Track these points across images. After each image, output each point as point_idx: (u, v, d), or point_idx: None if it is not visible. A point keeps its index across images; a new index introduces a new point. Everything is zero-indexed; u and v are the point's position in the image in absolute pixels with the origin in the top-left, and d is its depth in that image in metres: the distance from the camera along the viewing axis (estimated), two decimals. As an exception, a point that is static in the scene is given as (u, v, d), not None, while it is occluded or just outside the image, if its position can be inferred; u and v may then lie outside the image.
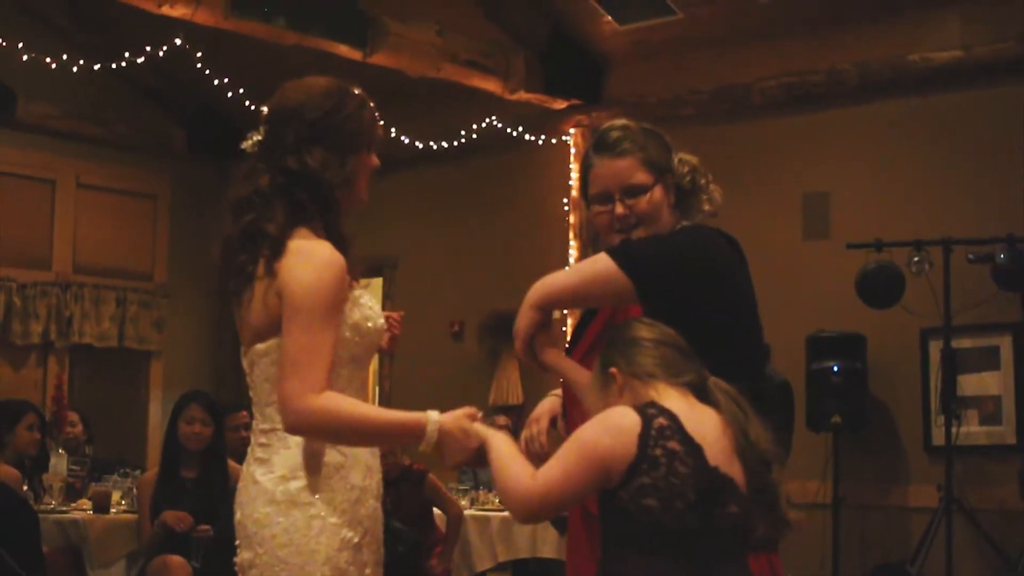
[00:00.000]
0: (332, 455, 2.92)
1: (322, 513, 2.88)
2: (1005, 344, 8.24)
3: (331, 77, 3.12)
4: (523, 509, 2.70)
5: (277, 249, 2.90)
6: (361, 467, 2.97)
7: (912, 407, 8.52)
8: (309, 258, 2.88)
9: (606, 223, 3.18)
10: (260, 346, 2.95)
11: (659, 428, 2.65)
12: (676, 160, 3.21)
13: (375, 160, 3.10)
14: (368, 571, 2.96)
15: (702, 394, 2.78)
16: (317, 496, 2.89)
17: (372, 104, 3.11)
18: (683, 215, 3.19)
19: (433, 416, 2.84)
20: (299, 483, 2.89)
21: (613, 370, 2.81)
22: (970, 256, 7.92)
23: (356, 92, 3.08)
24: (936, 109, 8.68)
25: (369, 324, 3.03)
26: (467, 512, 7.59)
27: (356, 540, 2.92)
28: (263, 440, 2.97)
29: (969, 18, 8.58)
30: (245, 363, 3.02)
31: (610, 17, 9.65)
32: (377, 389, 12.37)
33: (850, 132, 9.04)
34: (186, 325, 11.46)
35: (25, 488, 6.85)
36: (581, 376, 3.09)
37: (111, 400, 11.65)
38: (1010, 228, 7.90)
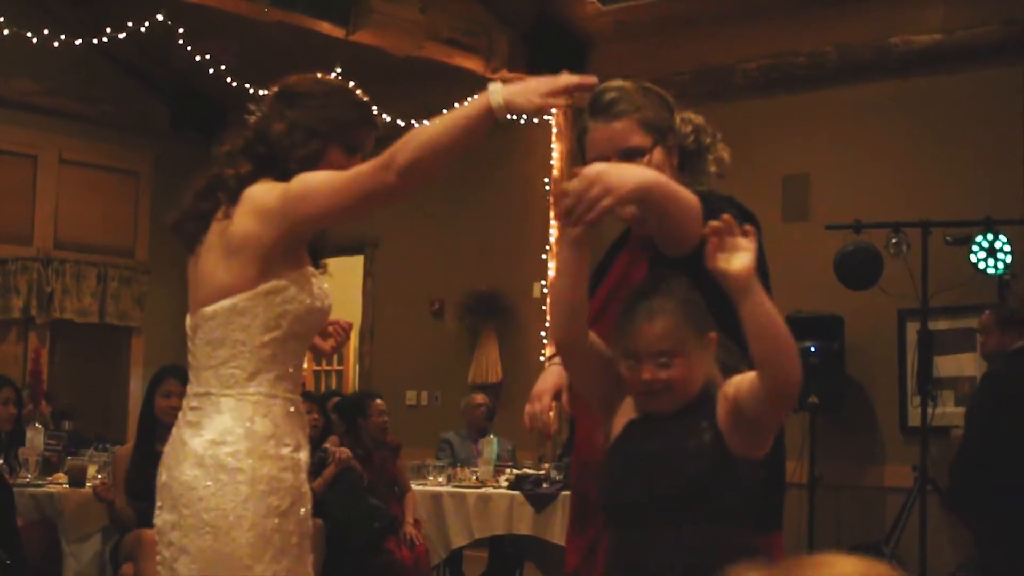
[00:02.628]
0: (263, 423, 2.90)
1: (250, 479, 2.86)
2: (982, 325, 8.21)
3: (339, 80, 3.23)
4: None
5: (235, 194, 2.92)
6: (292, 440, 2.95)
7: (888, 388, 8.50)
8: (273, 185, 2.92)
9: None
10: (208, 309, 2.94)
11: None
12: (679, 119, 3.01)
13: (351, 164, 3.04)
14: (294, 540, 2.93)
15: None
16: (246, 462, 2.87)
17: (372, 115, 3.12)
18: (688, 177, 2.97)
19: (494, 85, 2.70)
20: (228, 448, 2.87)
21: (713, 335, 2.58)
22: (948, 238, 7.89)
23: (357, 96, 3.11)
24: (916, 92, 8.64)
25: (317, 303, 3.03)
26: (444, 489, 7.54)
27: (283, 508, 2.89)
28: (195, 404, 2.96)
29: (951, 1, 8.53)
30: (188, 326, 3.00)
31: (592, -3, 9.59)
32: (357, 367, 12.33)
33: (830, 114, 9.00)
34: (167, 301, 11.35)
35: (1, 462, 6.77)
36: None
37: (92, 376, 11.57)
38: (988, 211, 7.87)
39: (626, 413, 2.65)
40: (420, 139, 2.76)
